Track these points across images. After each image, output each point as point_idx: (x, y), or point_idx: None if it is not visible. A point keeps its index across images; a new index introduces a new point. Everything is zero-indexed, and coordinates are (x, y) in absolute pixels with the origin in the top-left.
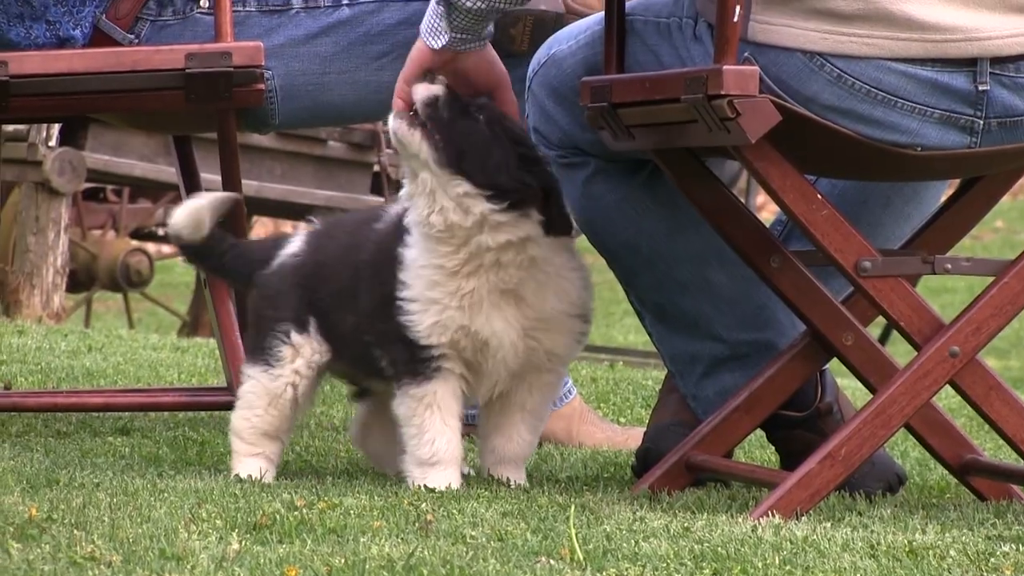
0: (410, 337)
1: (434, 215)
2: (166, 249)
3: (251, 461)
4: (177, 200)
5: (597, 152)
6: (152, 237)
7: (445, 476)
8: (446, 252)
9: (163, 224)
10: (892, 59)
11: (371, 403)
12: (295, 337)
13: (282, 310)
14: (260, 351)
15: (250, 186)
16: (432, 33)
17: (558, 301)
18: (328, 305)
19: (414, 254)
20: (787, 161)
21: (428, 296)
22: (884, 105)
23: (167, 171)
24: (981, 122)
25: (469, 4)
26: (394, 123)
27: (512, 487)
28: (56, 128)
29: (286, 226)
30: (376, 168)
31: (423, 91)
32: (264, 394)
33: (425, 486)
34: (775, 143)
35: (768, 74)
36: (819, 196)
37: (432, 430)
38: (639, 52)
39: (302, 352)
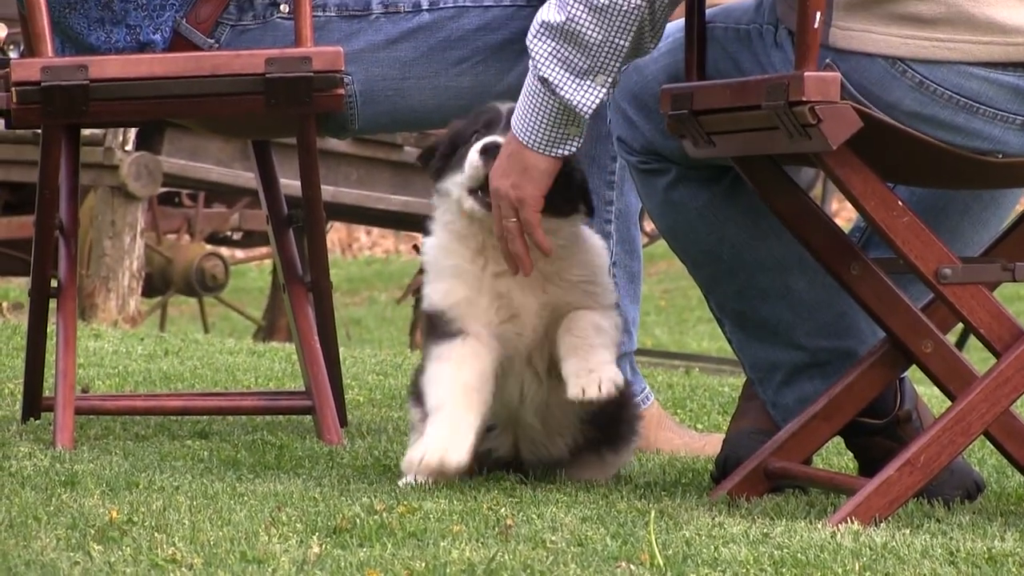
0: (432, 310)
1: None
2: (240, 254)
3: None
4: (252, 205)
5: (678, 159)
6: (227, 242)
7: (445, 425)
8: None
9: (238, 229)
10: (974, 63)
11: None
12: None
13: None
14: None
15: (326, 191)
16: (555, 142)
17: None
18: None
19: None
20: (868, 168)
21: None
22: (966, 111)
23: (243, 176)
24: None
25: (591, 101)
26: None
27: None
28: (132, 132)
29: (360, 231)
30: None
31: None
32: None
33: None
34: (856, 149)
35: (850, 80)
36: (899, 203)
37: (441, 379)
38: (720, 59)
39: None
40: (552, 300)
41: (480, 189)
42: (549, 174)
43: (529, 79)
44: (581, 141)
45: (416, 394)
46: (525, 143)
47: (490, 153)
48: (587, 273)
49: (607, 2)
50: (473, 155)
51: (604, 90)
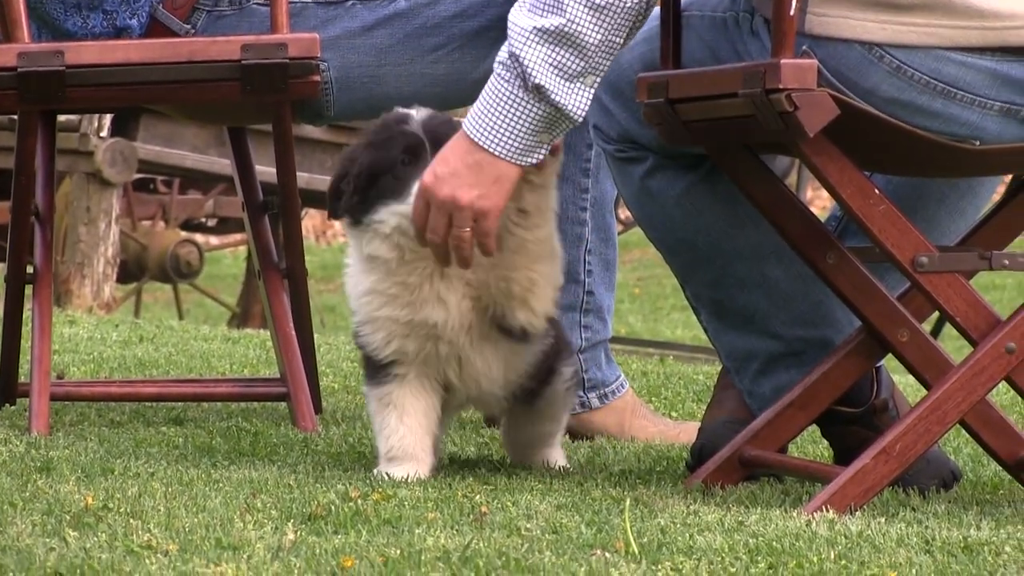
0: (367, 352)
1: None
2: (215, 240)
3: None
4: (227, 192)
5: (655, 147)
6: (202, 228)
7: (403, 470)
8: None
9: (213, 215)
10: (951, 48)
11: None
12: None
13: None
14: None
15: (300, 178)
16: (529, 150)
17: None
18: None
19: (359, 280)
20: (844, 156)
21: (376, 315)
22: (943, 97)
23: (218, 162)
24: None
25: (583, 103)
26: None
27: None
28: (107, 118)
29: None
30: None
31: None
32: None
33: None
34: (833, 137)
35: (827, 67)
36: (876, 191)
37: (388, 428)
38: (696, 48)
39: None
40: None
41: None
42: (515, 183)
43: (499, 86)
44: (550, 148)
45: (369, 379)
46: (497, 153)
47: None
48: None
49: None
50: None
51: (592, 91)
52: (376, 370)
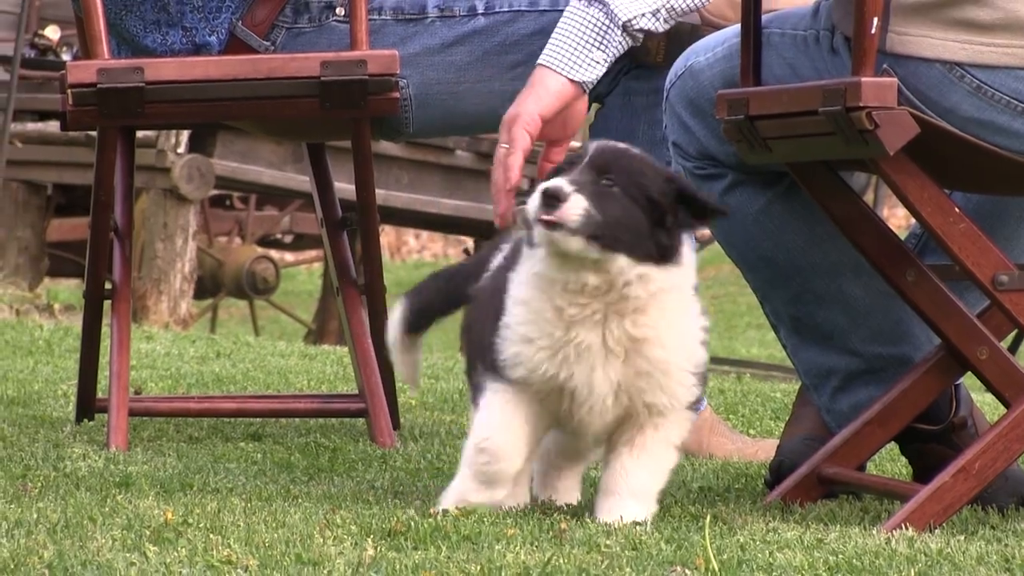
0: (496, 360)
1: (575, 278)
2: (290, 257)
3: None
4: (303, 208)
5: (734, 164)
6: (278, 244)
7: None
8: (569, 300)
9: (289, 232)
10: None
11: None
12: None
13: None
14: None
15: (376, 194)
16: (580, 65)
17: (666, 352)
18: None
19: (525, 292)
20: (924, 174)
21: (523, 333)
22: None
23: (295, 179)
24: None
25: (646, 24)
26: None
27: (610, 521)
28: (185, 135)
29: (408, 234)
30: None
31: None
32: None
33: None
34: (913, 155)
35: (907, 86)
36: (956, 209)
37: (489, 418)
38: (775, 65)
39: None
40: (626, 383)
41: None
42: (558, 96)
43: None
44: (603, 70)
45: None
46: (547, 64)
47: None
48: (671, 352)
49: None
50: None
51: (653, 21)
52: (499, 372)
